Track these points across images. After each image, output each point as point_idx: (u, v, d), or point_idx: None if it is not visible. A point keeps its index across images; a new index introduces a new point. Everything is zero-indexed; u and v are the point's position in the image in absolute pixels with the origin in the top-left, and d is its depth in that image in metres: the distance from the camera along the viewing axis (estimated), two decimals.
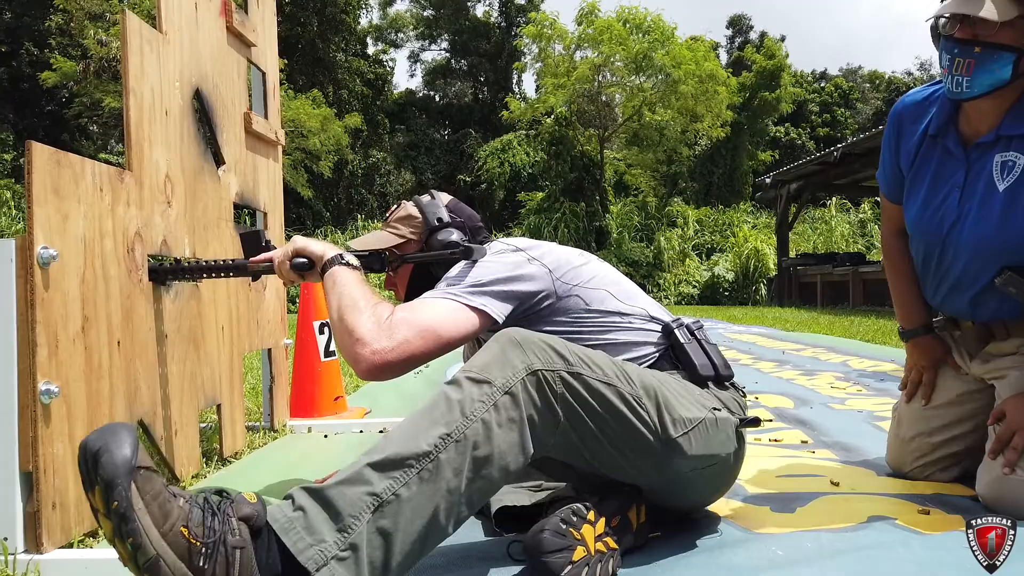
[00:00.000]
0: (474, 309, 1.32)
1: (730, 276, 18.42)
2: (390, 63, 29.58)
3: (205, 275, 1.69)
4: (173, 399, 1.74)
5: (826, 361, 4.45)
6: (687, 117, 20.68)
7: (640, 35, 19.77)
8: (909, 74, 38.77)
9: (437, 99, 32.39)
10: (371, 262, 1.53)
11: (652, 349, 1.40)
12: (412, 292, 1.53)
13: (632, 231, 20.42)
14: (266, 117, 2.43)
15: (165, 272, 1.68)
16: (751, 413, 1.42)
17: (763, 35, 33.86)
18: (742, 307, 15.24)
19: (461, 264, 1.40)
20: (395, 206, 1.63)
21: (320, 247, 1.46)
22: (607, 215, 20.36)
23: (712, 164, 24.77)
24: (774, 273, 16.80)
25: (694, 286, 18.82)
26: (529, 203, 21.17)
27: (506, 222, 23.60)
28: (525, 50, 22.40)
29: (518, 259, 1.40)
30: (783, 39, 34.71)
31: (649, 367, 1.37)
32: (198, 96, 1.93)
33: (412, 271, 1.57)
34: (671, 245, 19.78)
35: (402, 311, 1.31)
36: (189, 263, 1.70)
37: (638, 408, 1.21)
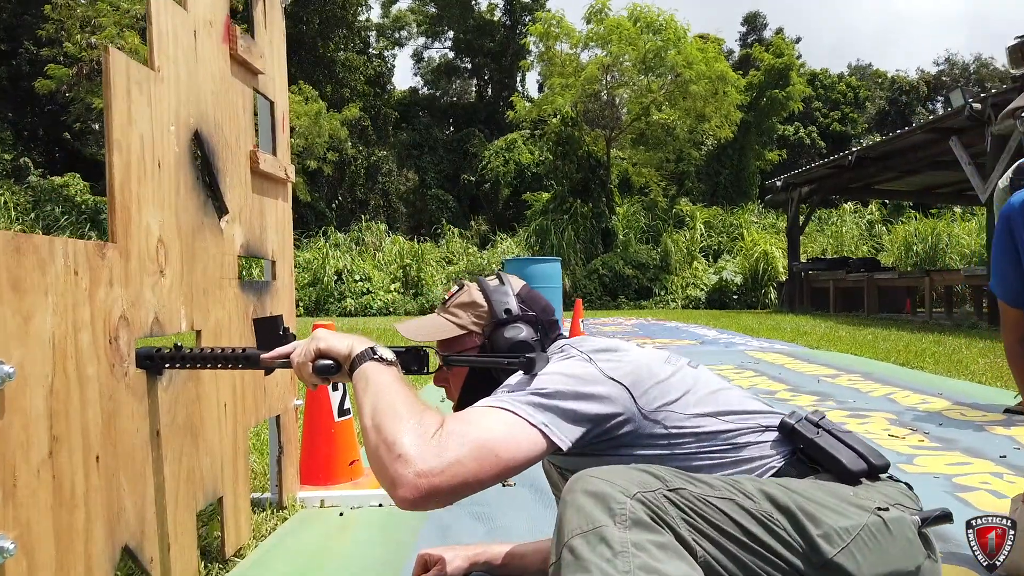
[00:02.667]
0: (536, 427, 1.05)
1: (738, 279, 18.11)
2: (391, 58, 29.28)
3: (209, 365, 1.38)
4: (167, 508, 1.45)
5: (869, 395, 4.16)
6: (694, 117, 20.35)
7: (651, 34, 19.41)
8: (921, 71, 38.22)
9: (440, 97, 32.04)
10: (409, 361, 1.24)
11: (772, 460, 1.14)
12: (468, 396, 1.26)
13: (639, 232, 20.12)
14: (274, 153, 2.14)
15: (162, 361, 1.38)
16: None
17: (780, 30, 33.47)
18: (752, 312, 14.93)
19: (520, 374, 1.13)
20: (455, 288, 1.34)
21: (346, 343, 1.17)
22: (613, 216, 20.05)
23: (719, 164, 24.42)
24: (783, 277, 16.47)
25: (701, 289, 18.52)
26: (535, 204, 20.86)
27: (511, 222, 23.23)
28: (532, 48, 22.07)
29: (590, 372, 1.12)
30: (799, 40, 34.38)
31: (774, 476, 1.11)
32: (197, 139, 1.65)
33: (469, 371, 1.28)
34: (678, 248, 19.45)
35: (454, 422, 1.03)
36: (191, 351, 1.38)
37: (771, 525, 0.97)
